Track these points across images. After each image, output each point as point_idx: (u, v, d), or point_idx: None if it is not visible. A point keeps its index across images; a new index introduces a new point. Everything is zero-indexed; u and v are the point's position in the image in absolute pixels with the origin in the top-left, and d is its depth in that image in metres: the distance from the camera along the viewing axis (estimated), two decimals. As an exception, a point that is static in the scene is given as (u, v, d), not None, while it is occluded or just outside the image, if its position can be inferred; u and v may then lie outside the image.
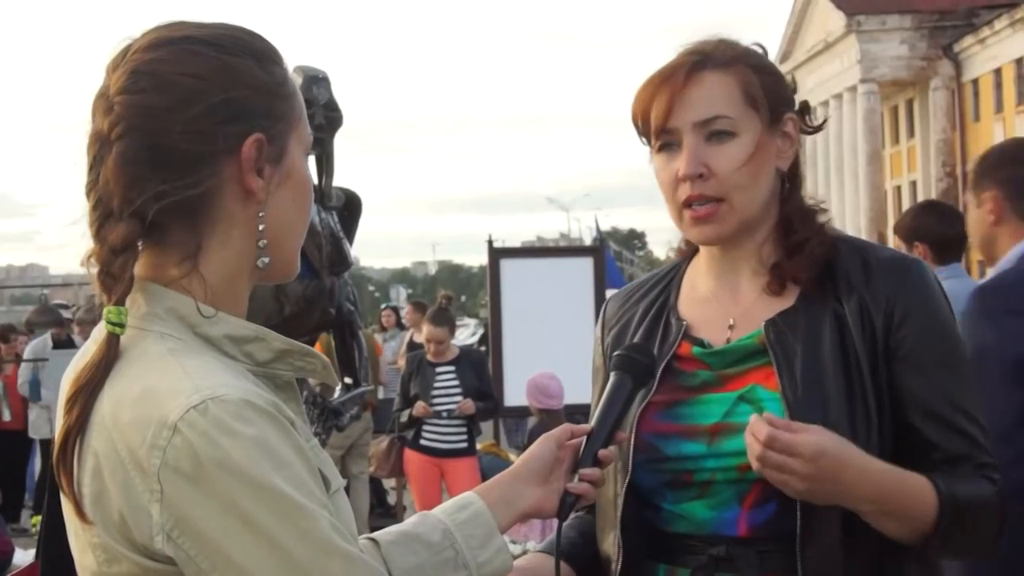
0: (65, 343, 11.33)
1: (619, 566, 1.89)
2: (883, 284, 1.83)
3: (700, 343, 1.91)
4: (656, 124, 1.87)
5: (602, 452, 1.74)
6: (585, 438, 1.75)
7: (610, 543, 1.91)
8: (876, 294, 1.83)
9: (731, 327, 1.90)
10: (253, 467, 1.29)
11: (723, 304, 1.93)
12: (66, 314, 12.55)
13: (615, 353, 1.86)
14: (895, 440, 1.81)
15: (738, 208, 1.85)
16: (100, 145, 1.41)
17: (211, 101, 1.40)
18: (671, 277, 2.04)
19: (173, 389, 1.32)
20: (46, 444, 11.40)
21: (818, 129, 1.95)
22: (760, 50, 1.93)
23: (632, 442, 1.87)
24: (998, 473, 1.81)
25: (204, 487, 1.28)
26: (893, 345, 1.81)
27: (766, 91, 1.87)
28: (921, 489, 1.75)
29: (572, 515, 2.03)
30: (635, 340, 1.96)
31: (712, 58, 1.87)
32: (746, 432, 1.71)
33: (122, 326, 1.38)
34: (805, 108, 1.96)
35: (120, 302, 1.38)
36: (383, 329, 14.19)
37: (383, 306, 16.66)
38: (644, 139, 1.92)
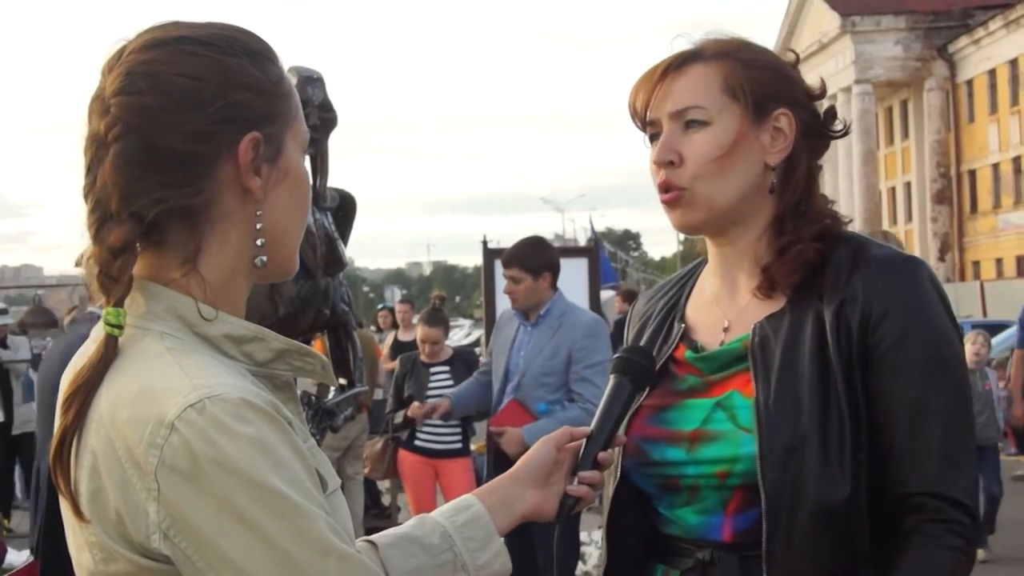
0: None
1: (604, 565, 1.91)
2: (864, 282, 1.76)
3: (694, 347, 1.91)
4: (640, 115, 1.90)
5: (601, 455, 1.74)
6: (584, 441, 1.75)
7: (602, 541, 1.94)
8: (855, 293, 1.75)
9: (726, 329, 1.89)
10: (250, 466, 1.28)
11: (723, 306, 1.92)
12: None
13: (614, 356, 1.86)
14: (872, 452, 1.73)
15: (702, 197, 1.84)
16: (97, 147, 1.40)
17: (207, 101, 1.40)
18: (688, 277, 2.03)
19: (171, 388, 1.31)
20: None
21: (836, 135, 1.89)
22: (762, 47, 1.92)
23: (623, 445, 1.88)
24: (969, 511, 1.71)
25: (201, 486, 1.28)
26: (870, 346, 1.74)
27: (752, 84, 1.84)
28: None
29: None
30: (645, 340, 1.97)
31: (702, 52, 1.88)
32: None
33: (120, 327, 1.38)
34: (830, 113, 1.91)
35: (119, 304, 1.38)
36: (379, 330, 14.19)
37: (379, 307, 16.66)
38: (641, 131, 1.94)
